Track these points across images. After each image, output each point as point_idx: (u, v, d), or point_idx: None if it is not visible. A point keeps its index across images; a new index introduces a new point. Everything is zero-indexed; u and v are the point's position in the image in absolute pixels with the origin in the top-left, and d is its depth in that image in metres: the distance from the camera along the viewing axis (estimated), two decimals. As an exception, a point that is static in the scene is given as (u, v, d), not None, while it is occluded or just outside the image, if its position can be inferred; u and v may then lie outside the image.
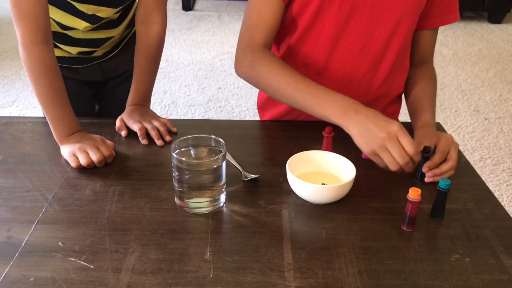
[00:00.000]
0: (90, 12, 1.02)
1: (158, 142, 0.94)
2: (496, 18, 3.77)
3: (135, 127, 0.97)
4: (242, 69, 0.97)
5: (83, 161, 0.85)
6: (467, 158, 1.99)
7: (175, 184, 0.77)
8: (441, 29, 3.59)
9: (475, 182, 0.87)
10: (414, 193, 0.72)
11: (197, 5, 4.00)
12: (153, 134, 0.96)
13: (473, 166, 1.94)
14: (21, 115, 2.16)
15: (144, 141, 0.95)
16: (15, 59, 2.87)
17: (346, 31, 0.97)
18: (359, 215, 0.77)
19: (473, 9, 3.83)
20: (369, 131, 0.77)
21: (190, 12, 3.79)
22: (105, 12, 1.04)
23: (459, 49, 3.22)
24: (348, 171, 0.81)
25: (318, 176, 0.83)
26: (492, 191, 1.74)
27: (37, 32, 0.87)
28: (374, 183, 0.84)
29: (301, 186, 0.77)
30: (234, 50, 3.05)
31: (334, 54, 0.99)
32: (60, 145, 0.90)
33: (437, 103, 2.49)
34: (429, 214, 0.78)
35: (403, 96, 1.12)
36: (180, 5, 3.77)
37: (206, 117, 2.27)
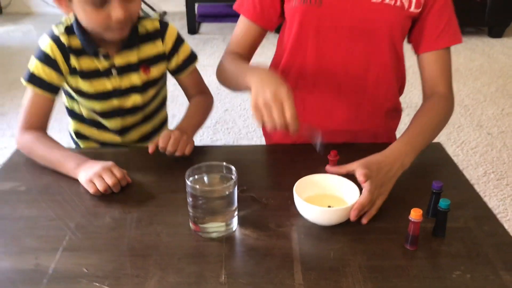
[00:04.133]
0: (118, 126, 1.17)
1: (177, 152, 1.00)
2: (496, 32, 3.83)
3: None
4: (216, 73, 1.12)
5: (100, 187, 0.90)
6: (471, 173, 2.03)
7: (190, 209, 0.82)
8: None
9: (475, 201, 0.92)
10: (415, 214, 0.76)
11: (202, 28, 4.09)
12: (171, 142, 1.00)
13: (477, 181, 1.98)
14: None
15: (150, 149, 1.01)
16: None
17: (328, 48, 1.06)
18: (364, 236, 0.81)
19: (473, 24, 3.89)
20: (260, 88, 0.85)
21: (196, 36, 3.88)
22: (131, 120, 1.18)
23: (461, 65, 3.27)
24: (352, 193, 0.85)
25: (324, 198, 0.88)
26: (497, 206, 1.79)
27: (31, 126, 1.06)
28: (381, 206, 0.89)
29: (308, 209, 0.82)
30: (239, 72, 3.13)
31: (320, 71, 1.08)
32: (76, 176, 0.96)
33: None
34: (431, 233, 0.82)
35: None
36: (186, 29, 3.86)
37: (214, 139, 2.33)
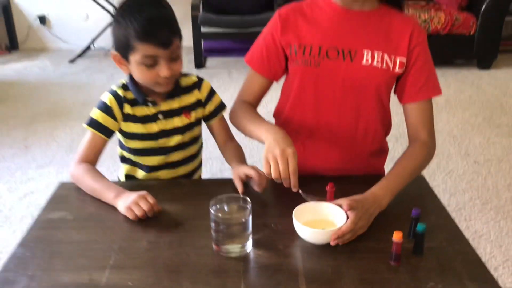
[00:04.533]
0: (162, 163, 1.36)
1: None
2: (484, 64, 4.05)
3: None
4: (229, 115, 1.34)
5: (138, 213, 1.08)
6: (458, 198, 2.21)
7: (213, 233, 1.00)
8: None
9: (449, 225, 1.10)
10: (397, 236, 0.94)
11: (208, 63, 4.33)
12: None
13: (464, 205, 2.16)
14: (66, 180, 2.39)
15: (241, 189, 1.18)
16: (47, 121, 3.15)
17: (324, 101, 1.26)
18: (356, 254, 0.99)
19: (463, 56, 4.13)
20: (273, 145, 1.07)
21: (202, 70, 4.11)
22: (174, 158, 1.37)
23: (451, 96, 3.48)
24: (342, 219, 1.03)
25: (319, 223, 1.05)
26: (481, 228, 1.98)
27: (84, 160, 1.26)
28: (368, 229, 1.07)
29: (302, 230, 1.00)
30: (243, 104, 3.33)
31: (317, 121, 1.29)
32: (115, 205, 1.14)
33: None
34: (411, 251, 0.99)
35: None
36: (193, 63, 4.10)
37: (222, 169, 2.51)
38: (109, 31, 4.48)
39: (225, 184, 1.25)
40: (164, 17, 1.19)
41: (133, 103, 1.29)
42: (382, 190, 1.11)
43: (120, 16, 1.20)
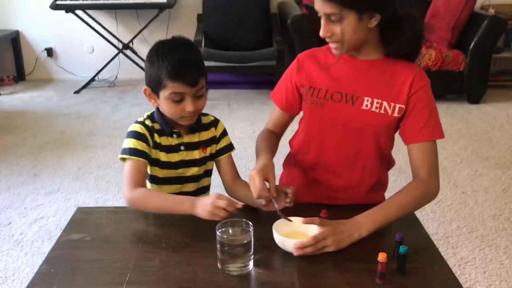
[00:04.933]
0: (176, 192, 1.47)
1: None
2: (474, 99, 4.23)
3: None
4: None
5: (223, 215, 1.18)
6: (446, 227, 2.33)
7: (218, 253, 1.11)
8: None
9: (430, 248, 1.22)
10: (382, 256, 1.07)
11: (209, 95, 4.49)
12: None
13: (451, 233, 2.27)
14: (97, 205, 2.49)
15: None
16: (55, 149, 3.28)
17: (326, 139, 1.41)
18: (347, 273, 1.10)
19: (454, 91, 4.31)
20: (257, 169, 1.28)
21: (202, 101, 4.26)
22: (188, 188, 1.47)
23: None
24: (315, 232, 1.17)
25: (298, 235, 1.18)
26: (467, 255, 2.09)
27: (137, 185, 1.33)
28: (357, 251, 1.19)
29: (276, 238, 1.16)
30: (243, 135, 3.48)
31: (321, 156, 1.44)
32: (194, 213, 1.22)
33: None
34: (396, 271, 1.11)
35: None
36: (193, 95, 4.26)
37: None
38: (113, 63, 4.70)
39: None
40: (192, 59, 1.34)
41: (160, 133, 1.41)
42: (365, 218, 1.22)
43: (154, 56, 1.33)
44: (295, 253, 1.13)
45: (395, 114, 1.34)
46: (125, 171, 1.37)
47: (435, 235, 2.27)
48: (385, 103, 1.33)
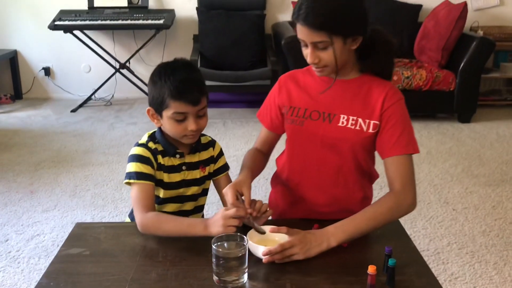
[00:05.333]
0: (176, 210, 1.51)
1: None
2: (464, 118, 4.31)
3: None
4: None
5: (237, 224, 1.23)
6: (437, 243, 2.38)
7: (214, 267, 1.15)
8: (417, 129, 4.10)
9: (418, 261, 1.26)
10: (371, 269, 1.11)
11: (204, 113, 4.55)
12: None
13: (442, 250, 2.32)
14: (93, 220, 2.53)
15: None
16: (52, 167, 3.31)
17: (308, 156, 1.47)
18: (338, 285, 1.14)
19: (445, 110, 4.39)
20: (235, 181, 1.37)
21: (198, 120, 4.32)
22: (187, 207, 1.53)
23: (433, 148, 3.69)
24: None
25: (270, 243, 1.23)
26: (457, 271, 2.13)
27: (147, 209, 1.35)
28: (348, 263, 1.23)
29: (250, 245, 1.20)
30: (238, 153, 3.52)
31: (303, 172, 1.50)
32: (210, 234, 1.23)
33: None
34: (385, 283, 1.15)
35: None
36: (189, 114, 4.32)
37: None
38: (110, 82, 4.76)
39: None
40: (194, 79, 1.39)
41: (163, 154, 1.45)
42: (335, 228, 1.27)
43: (157, 77, 1.38)
44: (264, 260, 1.19)
45: (370, 130, 1.39)
46: (133, 195, 1.39)
47: (426, 251, 2.31)
48: (360, 119, 1.40)
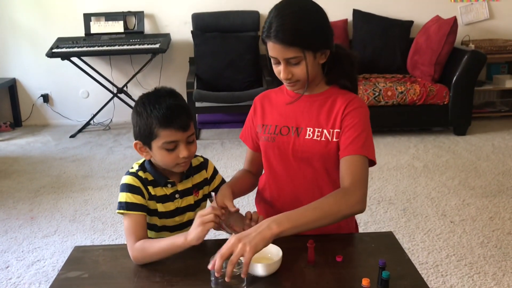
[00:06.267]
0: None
1: None
2: (460, 131, 4.35)
3: None
4: None
5: (212, 219, 1.26)
6: (435, 256, 2.39)
7: (212, 285, 1.17)
8: (413, 143, 4.14)
9: (413, 274, 1.27)
10: (365, 282, 1.13)
11: (202, 134, 4.60)
12: None
13: (441, 262, 2.33)
14: (92, 244, 2.52)
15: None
16: (51, 193, 3.33)
17: (283, 171, 1.52)
18: (333, 299, 1.17)
19: (440, 124, 4.43)
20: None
21: (197, 141, 4.35)
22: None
23: (429, 161, 3.72)
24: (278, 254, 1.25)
25: (267, 260, 1.26)
26: (456, 283, 2.14)
27: (138, 239, 1.34)
28: (343, 276, 1.25)
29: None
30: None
31: (280, 186, 1.54)
32: (192, 243, 1.25)
33: (410, 210, 2.91)
34: (379, 296, 1.17)
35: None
36: (187, 136, 4.36)
37: (217, 233, 2.66)
38: (108, 107, 4.81)
39: (222, 243, 1.43)
40: (180, 104, 1.38)
41: (154, 184, 1.43)
42: (278, 216, 1.24)
43: (142, 108, 1.36)
44: (216, 274, 1.14)
45: (334, 139, 1.43)
46: (125, 226, 1.39)
47: (425, 264, 2.32)
48: (325, 131, 1.45)
